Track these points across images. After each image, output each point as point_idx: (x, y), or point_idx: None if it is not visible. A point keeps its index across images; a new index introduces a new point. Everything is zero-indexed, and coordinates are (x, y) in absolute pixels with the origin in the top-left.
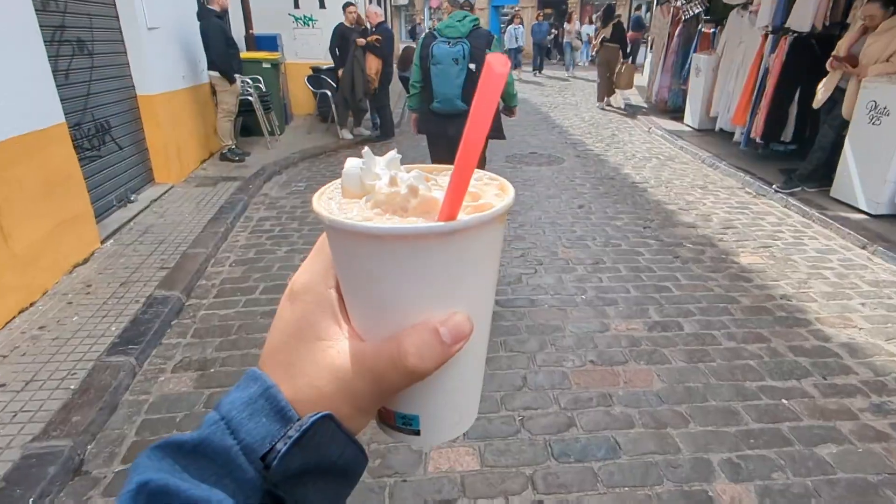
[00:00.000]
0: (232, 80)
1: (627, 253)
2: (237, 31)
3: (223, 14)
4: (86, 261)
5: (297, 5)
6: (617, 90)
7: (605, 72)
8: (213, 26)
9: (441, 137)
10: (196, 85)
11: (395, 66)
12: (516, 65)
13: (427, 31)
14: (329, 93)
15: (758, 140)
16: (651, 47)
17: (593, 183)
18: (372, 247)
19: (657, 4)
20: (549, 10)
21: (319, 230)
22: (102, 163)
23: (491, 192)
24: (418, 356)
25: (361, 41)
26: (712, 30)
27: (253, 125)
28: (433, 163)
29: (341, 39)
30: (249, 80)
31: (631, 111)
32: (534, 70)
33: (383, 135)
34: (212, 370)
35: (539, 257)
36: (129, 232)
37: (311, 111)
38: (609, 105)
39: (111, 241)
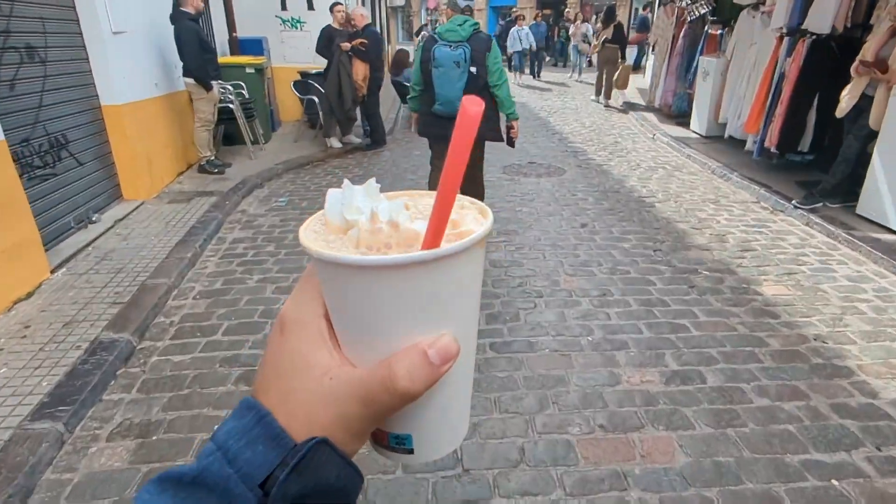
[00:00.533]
0: (208, 88)
1: (637, 282)
2: (220, 34)
3: (198, 16)
4: (29, 295)
5: (284, 7)
6: (615, 90)
7: (604, 71)
8: (186, 29)
9: (442, 139)
10: (172, 92)
11: (386, 70)
12: (520, 69)
13: (427, 33)
14: (316, 99)
15: (772, 150)
16: (653, 49)
17: (597, 197)
18: (360, 278)
19: (660, 5)
20: (548, 11)
21: (297, 254)
22: (58, 181)
23: (470, 218)
24: (409, 378)
25: (346, 45)
26: (719, 31)
27: (236, 134)
28: (435, 162)
29: (328, 42)
30: (230, 87)
31: (626, 107)
32: (533, 74)
33: (374, 143)
34: (154, 438)
35: (539, 288)
36: (85, 259)
37: (300, 117)
38: (608, 105)
39: (63, 269)
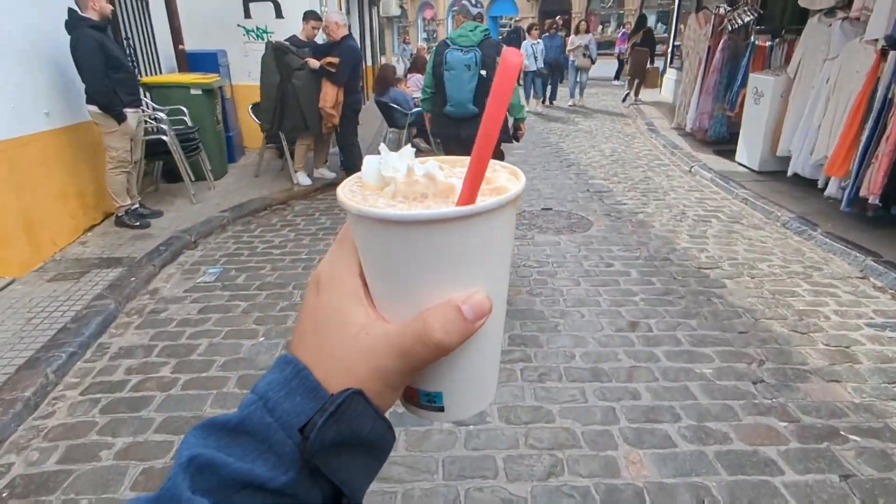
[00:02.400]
0: (119, 118)
1: (750, 464)
2: (164, 47)
3: (105, 24)
4: None
5: (248, 14)
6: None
7: (635, 72)
8: (84, 42)
9: (453, 139)
10: (75, 124)
11: (361, 89)
12: (536, 93)
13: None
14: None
15: (871, 200)
16: (670, 61)
17: (641, 268)
18: (397, 233)
19: (695, 11)
20: (560, 20)
21: (201, 384)
22: None
23: (503, 177)
24: (444, 331)
25: (314, 62)
26: (769, 43)
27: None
28: None
29: (279, 58)
30: (164, 114)
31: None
32: (543, 100)
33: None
34: None
35: (581, 484)
36: None
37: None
38: (638, 101)
39: None
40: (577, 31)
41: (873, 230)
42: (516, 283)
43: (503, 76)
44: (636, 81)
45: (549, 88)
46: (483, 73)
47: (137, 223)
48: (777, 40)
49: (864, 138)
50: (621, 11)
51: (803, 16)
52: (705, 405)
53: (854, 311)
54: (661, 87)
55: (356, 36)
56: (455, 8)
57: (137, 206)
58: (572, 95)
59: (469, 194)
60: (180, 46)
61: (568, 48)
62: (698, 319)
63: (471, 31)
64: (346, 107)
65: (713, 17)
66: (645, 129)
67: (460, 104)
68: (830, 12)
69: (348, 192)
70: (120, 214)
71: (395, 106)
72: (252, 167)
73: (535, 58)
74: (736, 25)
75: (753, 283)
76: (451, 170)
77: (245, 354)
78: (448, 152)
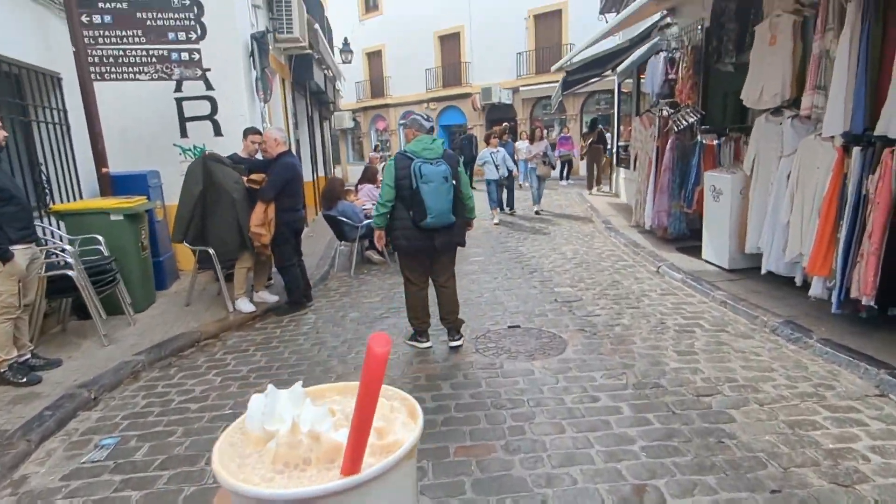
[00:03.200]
0: (5, 257)
1: None
2: (85, 172)
3: None
4: None
5: (184, 133)
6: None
7: (592, 167)
8: None
9: (424, 251)
10: None
11: (302, 207)
12: (499, 203)
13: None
14: (212, 251)
15: (865, 301)
16: (617, 162)
17: (633, 401)
18: None
19: (636, 114)
20: (504, 125)
21: None
22: None
23: (399, 423)
24: None
25: (253, 180)
26: (715, 141)
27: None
28: (407, 276)
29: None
30: (72, 246)
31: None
32: (501, 208)
33: (293, 304)
34: None
35: None
36: None
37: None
38: (599, 191)
39: None
40: (533, 139)
41: (872, 334)
42: (487, 434)
43: (372, 370)
44: (595, 172)
45: (505, 195)
46: (454, 182)
47: (24, 379)
48: (723, 139)
49: (842, 236)
50: (563, 116)
51: (744, 114)
52: None
53: (893, 447)
54: (612, 185)
55: (306, 150)
56: (404, 121)
57: (28, 356)
58: (536, 202)
59: (352, 461)
60: (104, 170)
61: (524, 156)
62: (716, 475)
63: (432, 143)
64: (282, 226)
65: (657, 118)
66: (603, 229)
67: (443, 214)
68: (777, 111)
69: (227, 445)
70: (2, 370)
71: (344, 220)
72: (182, 295)
73: (496, 166)
74: (681, 126)
75: (765, 414)
76: (344, 410)
77: None
78: (417, 266)
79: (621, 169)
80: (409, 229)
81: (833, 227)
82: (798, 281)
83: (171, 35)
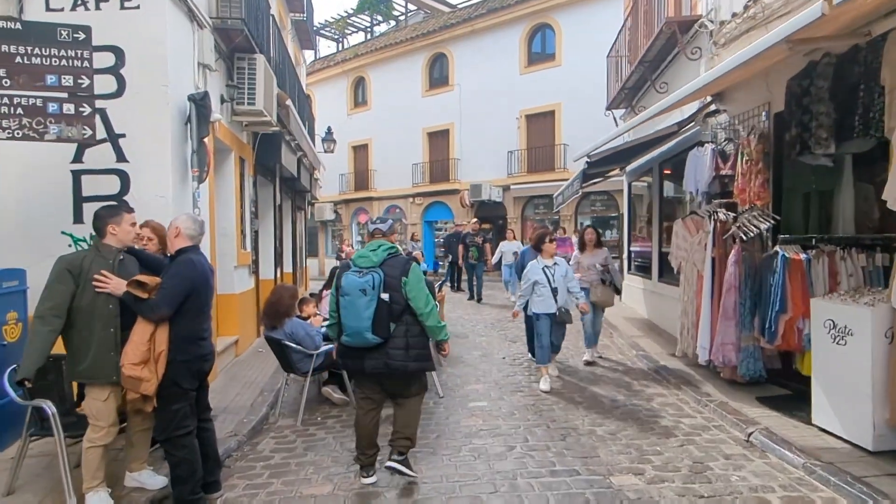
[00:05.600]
0: None
1: None
2: None
3: None
4: None
5: (79, 217)
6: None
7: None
8: None
9: (359, 372)
10: None
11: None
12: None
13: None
14: (47, 407)
15: None
16: (628, 268)
17: None
18: None
19: (682, 219)
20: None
21: None
22: None
23: None
24: None
25: (115, 284)
26: (804, 256)
27: None
28: (359, 398)
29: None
30: None
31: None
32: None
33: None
34: None
35: None
36: None
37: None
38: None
39: None
40: (584, 247)
41: None
42: None
43: None
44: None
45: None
46: (384, 296)
47: None
48: (812, 252)
49: None
50: (556, 217)
51: (830, 219)
52: None
53: None
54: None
55: (268, 242)
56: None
57: None
58: (591, 344)
59: None
60: None
61: (574, 270)
62: None
63: (372, 250)
64: (177, 367)
65: (714, 223)
66: (636, 358)
67: (357, 333)
68: None
69: None
70: None
71: (292, 345)
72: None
73: (554, 290)
74: (750, 234)
75: None
76: None
77: None
78: (358, 384)
79: (636, 277)
80: (342, 345)
81: None
82: None
83: (49, 78)
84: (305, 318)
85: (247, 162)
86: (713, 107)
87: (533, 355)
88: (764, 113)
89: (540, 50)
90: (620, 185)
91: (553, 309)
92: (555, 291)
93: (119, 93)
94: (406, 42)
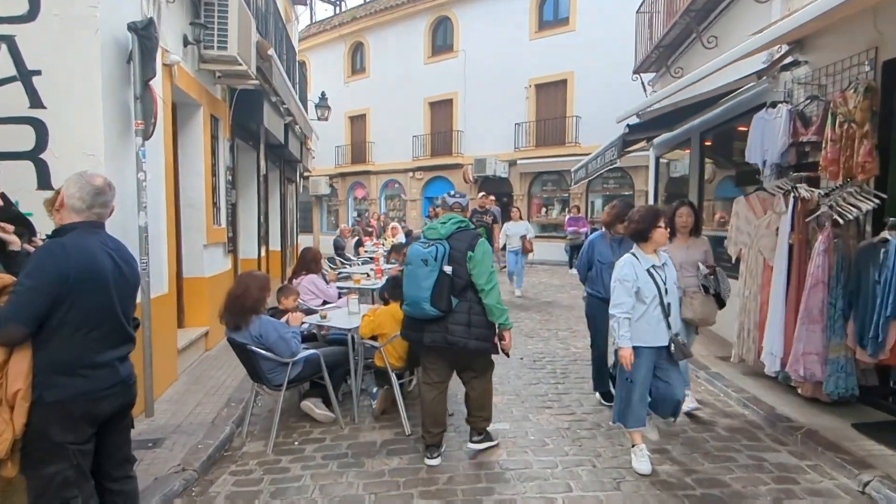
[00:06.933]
0: None
1: None
2: None
3: None
4: None
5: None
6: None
7: None
8: None
9: (418, 344)
10: None
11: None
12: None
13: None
14: None
15: None
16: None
17: None
18: None
19: (745, 196)
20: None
21: None
22: None
23: None
24: None
25: None
26: None
27: None
28: (424, 374)
29: None
30: None
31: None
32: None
33: None
34: None
35: None
36: None
37: None
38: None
39: None
40: (675, 233)
41: None
42: None
43: None
44: None
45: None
46: (447, 269)
47: None
48: None
49: None
50: (565, 195)
51: None
52: None
53: None
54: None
55: (251, 217)
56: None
57: None
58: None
59: None
60: None
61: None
62: None
63: (442, 223)
64: (44, 409)
65: (793, 200)
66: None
67: (415, 303)
68: None
69: None
70: None
71: (261, 351)
72: None
73: None
74: (847, 216)
75: None
76: None
77: None
78: (423, 359)
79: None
80: (406, 316)
81: None
82: None
83: None
84: (283, 313)
85: (221, 122)
86: (789, 58)
87: (604, 399)
88: (868, 62)
89: (552, 13)
90: (636, 161)
91: (665, 339)
92: (667, 309)
93: (32, 15)
94: (408, 4)
